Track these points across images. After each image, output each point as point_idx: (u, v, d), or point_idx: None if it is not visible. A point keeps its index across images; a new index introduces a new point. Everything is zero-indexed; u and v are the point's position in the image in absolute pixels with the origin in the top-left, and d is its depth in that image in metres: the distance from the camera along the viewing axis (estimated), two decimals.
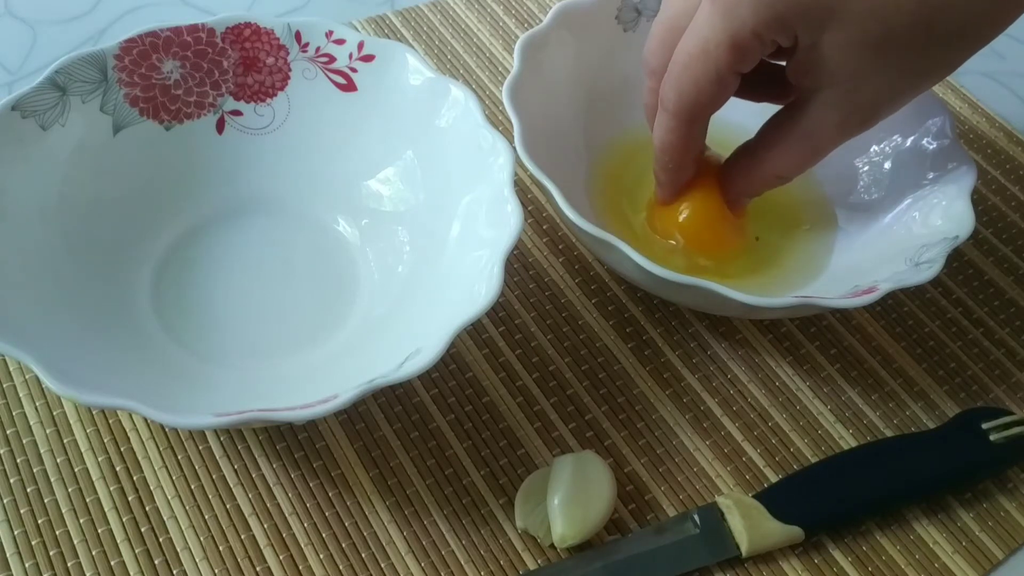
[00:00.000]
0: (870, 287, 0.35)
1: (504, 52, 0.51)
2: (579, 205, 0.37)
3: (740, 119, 0.40)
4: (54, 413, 0.36)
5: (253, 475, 0.36)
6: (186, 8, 0.53)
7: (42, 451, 0.36)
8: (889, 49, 0.32)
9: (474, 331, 0.40)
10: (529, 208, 0.44)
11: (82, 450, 0.36)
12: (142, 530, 0.34)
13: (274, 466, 0.36)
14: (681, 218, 0.40)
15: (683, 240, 0.40)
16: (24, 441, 0.36)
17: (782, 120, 0.37)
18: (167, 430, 0.36)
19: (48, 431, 0.36)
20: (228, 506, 0.35)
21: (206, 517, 0.35)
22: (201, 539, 0.34)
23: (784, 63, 0.35)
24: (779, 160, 0.37)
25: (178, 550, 0.34)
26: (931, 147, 0.40)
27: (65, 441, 0.36)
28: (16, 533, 0.34)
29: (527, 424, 0.38)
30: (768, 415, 0.39)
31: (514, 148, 0.37)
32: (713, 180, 0.39)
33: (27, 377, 0.37)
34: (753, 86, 0.36)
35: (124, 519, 0.34)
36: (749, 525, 0.34)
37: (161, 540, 0.34)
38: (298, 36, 0.40)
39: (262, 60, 0.40)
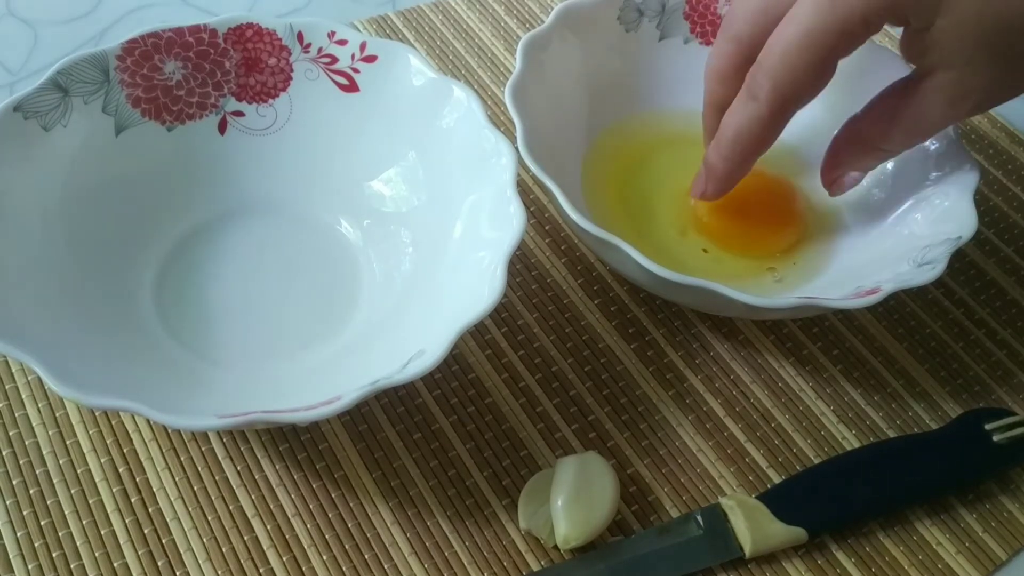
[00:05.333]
0: (873, 288, 0.35)
1: (506, 53, 0.51)
2: (581, 206, 0.37)
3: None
4: (56, 415, 0.36)
5: (256, 476, 0.36)
6: (188, 8, 0.53)
7: (44, 453, 0.35)
8: (999, 40, 0.32)
9: (477, 332, 0.40)
10: (531, 209, 0.44)
11: (84, 452, 0.36)
12: (145, 532, 0.34)
13: (277, 467, 0.36)
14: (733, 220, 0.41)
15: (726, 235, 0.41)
16: (27, 443, 0.36)
17: (892, 95, 0.36)
18: (170, 432, 0.36)
19: (51, 432, 0.36)
20: (231, 507, 0.35)
21: (209, 519, 0.34)
22: (204, 541, 0.34)
23: None
24: (887, 136, 0.36)
25: (181, 552, 0.34)
26: (933, 147, 0.40)
27: (68, 443, 0.36)
28: (19, 535, 0.34)
29: (530, 425, 0.38)
30: (771, 416, 0.39)
31: (516, 149, 0.37)
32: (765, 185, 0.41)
33: (29, 379, 0.37)
34: None
35: (127, 521, 0.34)
36: (752, 526, 0.34)
37: (164, 542, 0.34)
38: (300, 37, 0.40)
39: (264, 61, 0.40)
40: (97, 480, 0.35)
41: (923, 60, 0.34)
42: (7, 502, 0.34)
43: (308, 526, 0.35)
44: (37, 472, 0.35)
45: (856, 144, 0.38)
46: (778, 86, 0.34)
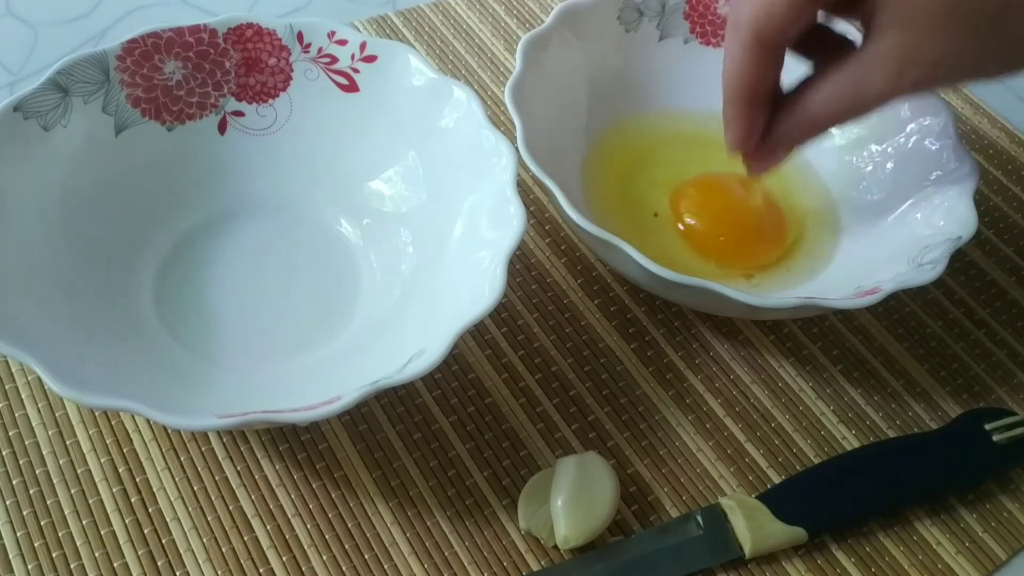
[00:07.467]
0: (873, 288, 0.35)
1: (506, 53, 0.51)
2: (581, 206, 0.37)
3: None
4: (56, 415, 0.36)
5: (256, 476, 0.36)
6: (188, 8, 0.53)
7: (44, 453, 0.35)
8: (964, 10, 0.30)
9: (476, 332, 0.40)
10: (531, 208, 0.44)
11: (84, 452, 0.36)
12: (145, 532, 0.34)
13: (277, 467, 0.36)
14: (720, 239, 0.41)
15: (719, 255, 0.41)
16: (27, 443, 0.36)
17: (833, 63, 0.34)
18: (170, 432, 0.36)
19: (51, 432, 0.36)
20: (231, 507, 0.35)
21: (209, 519, 0.34)
22: (204, 541, 0.34)
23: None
24: (821, 103, 0.34)
25: (181, 552, 0.34)
26: (933, 147, 0.40)
27: (68, 443, 0.36)
28: (19, 535, 0.34)
29: (530, 425, 0.38)
30: (771, 416, 0.39)
31: (516, 149, 0.37)
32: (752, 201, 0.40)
33: (29, 379, 0.37)
34: (808, 44, 0.34)
35: (127, 521, 0.34)
36: (752, 526, 0.34)
37: (164, 542, 0.34)
38: (300, 37, 0.40)
39: (264, 61, 0.40)
40: (97, 480, 0.35)
41: (875, 19, 0.31)
42: (7, 502, 0.34)
43: (308, 526, 0.35)
44: (37, 472, 0.35)
45: (792, 112, 0.35)
46: (754, 13, 0.32)
